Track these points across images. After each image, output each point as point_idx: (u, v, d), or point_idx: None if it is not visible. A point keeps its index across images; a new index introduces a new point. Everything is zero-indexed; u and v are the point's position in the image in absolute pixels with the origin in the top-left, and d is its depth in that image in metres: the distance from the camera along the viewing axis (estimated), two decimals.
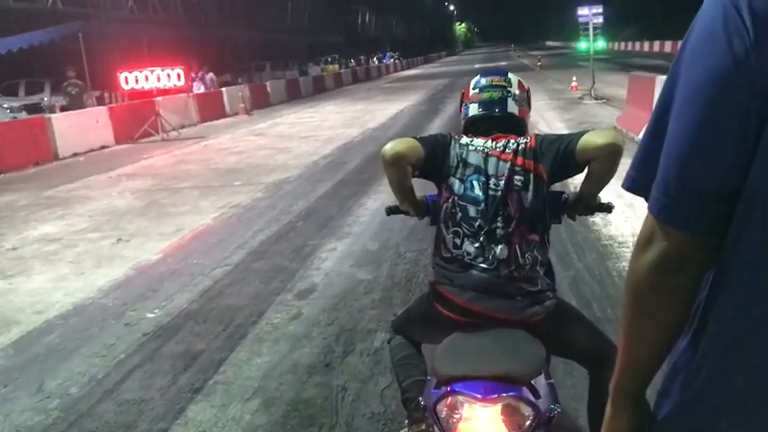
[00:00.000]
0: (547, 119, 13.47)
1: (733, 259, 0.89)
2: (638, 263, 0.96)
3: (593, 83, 17.13)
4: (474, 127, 2.23)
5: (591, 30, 17.60)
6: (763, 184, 0.83)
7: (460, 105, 2.34)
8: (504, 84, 2.24)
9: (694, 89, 0.88)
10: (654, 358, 1.02)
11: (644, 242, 0.95)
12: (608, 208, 2.28)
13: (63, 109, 15.96)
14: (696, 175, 0.88)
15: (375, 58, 55.69)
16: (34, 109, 17.59)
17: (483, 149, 2.10)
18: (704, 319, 0.94)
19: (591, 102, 16.13)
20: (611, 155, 1.94)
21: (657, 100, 0.96)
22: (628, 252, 5.00)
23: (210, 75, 23.15)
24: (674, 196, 0.90)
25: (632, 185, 0.99)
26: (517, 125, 2.22)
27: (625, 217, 5.88)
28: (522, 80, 2.31)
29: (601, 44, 21.81)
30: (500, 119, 2.20)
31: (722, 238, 0.89)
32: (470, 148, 2.12)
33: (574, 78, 19.91)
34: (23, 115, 16.49)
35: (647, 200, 0.94)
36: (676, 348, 1.00)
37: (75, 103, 15.85)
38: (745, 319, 0.88)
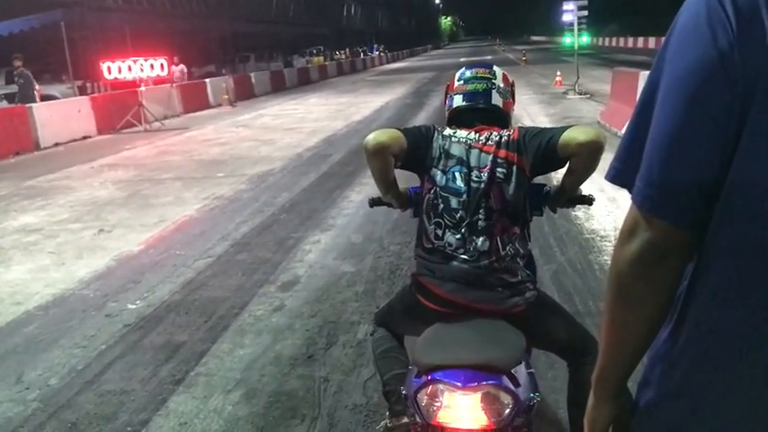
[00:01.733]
0: (531, 113, 13.51)
1: (714, 250, 0.90)
2: (622, 253, 0.97)
3: (578, 78, 17.21)
4: (458, 118, 2.24)
5: (575, 25, 17.66)
6: (745, 176, 0.84)
7: (445, 97, 2.35)
8: (488, 76, 2.25)
9: (678, 81, 0.88)
10: (636, 348, 1.03)
11: (627, 233, 0.96)
12: (589, 200, 2.30)
13: (10, 100, 15.28)
14: (679, 166, 0.88)
15: (360, 51, 55.48)
16: (15, 98, 17.36)
17: (466, 141, 2.11)
18: (685, 309, 0.95)
19: (575, 97, 16.21)
20: (592, 152, 1.95)
21: (641, 92, 0.96)
22: (610, 246, 5.03)
23: (181, 67, 21.80)
24: (657, 187, 0.90)
25: (616, 176, 1.00)
26: (501, 118, 2.23)
27: (608, 211, 5.93)
28: (506, 73, 2.32)
29: (585, 39, 21.86)
30: (484, 111, 2.21)
31: (705, 230, 0.90)
32: (453, 139, 2.13)
33: (558, 73, 20.01)
34: (4, 104, 16.26)
35: (630, 191, 0.95)
36: (658, 339, 1.00)
37: (23, 95, 14.58)
38: (724, 310, 0.89)
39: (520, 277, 2.06)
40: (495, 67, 2.31)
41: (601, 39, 58.38)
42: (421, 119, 14.60)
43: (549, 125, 10.60)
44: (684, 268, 0.96)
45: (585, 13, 17.46)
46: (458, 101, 2.25)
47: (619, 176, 0.99)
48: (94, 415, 3.25)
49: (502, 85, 2.25)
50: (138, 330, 4.21)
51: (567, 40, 22.19)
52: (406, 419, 2.07)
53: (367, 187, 7.63)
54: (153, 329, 4.21)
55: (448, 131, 2.17)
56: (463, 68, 2.34)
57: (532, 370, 1.95)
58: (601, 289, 4.21)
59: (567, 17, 17.52)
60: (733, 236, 0.87)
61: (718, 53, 0.84)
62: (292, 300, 4.55)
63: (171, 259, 5.64)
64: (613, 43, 54.75)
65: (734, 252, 0.87)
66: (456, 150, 2.10)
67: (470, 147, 2.09)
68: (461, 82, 2.27)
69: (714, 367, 0.91)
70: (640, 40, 45.56)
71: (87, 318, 4.48)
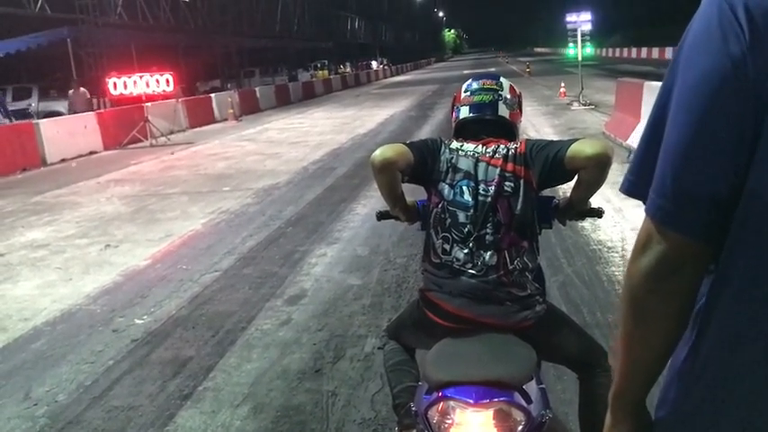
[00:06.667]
0: (536, 124, 13.52)
1: (732, 264, 0.87)
2: (635, 266, 0.94)
3: (582, 89, 17.21)
4: (465, 130, 2.23)
5: (579, 36, 17.70)
6: (762, 186, 0.82)
7: (452, 109, 2.35)
8: (495, 87, 2.24)
9: (690, 91, 0.86)
10: (653, 365, 1.00)
11: (641, 245, 0.93)
12: (598, 213, 2.27)
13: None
14: (692, 178, 0.86)
15: (365, 65, 55.72)
16: (22, 114, 17.51)
17: (473, 154, 2.10)
18: (704, 326, 0.92)
19: (579, 107, 16.21)
20: (600, 165, 1.93)
21: (655, 102, 0.94)
22: (617, 257, 5.02)
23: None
24: (671, 199, 0.88)
25: (630, 188, 0.98)
26: (508, 129, 2.22)
27: (614, 222, 5.91)
28: (513, 85, 2.32)
29: (589, 50, 21.87)
30: (491, 122, 2.20)
31: (721, 242, 0.87)
32: (461, 153, 2.12)
33: (562, 84, 20.02)
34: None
35: (644, 203, 0.93)
36: (676, 357, 0.97)
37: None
38: (744, 325, 0.87)
39: (529, 291, 2.05)
40: (501, 79, 2.31)
41: (604, 50, 58.47)
42: (425, 132, 14.63)
43: (554, 136, 10.56)
44: (700, 282, 0.93)
45: (589, 26, 17.51)
46: (464, 112, 2.25)
47: (633, 188, 0.97)
48: (102, 431, 3.24)
49: (509, 97, 2.24)
50: (146, 345, 4.21)
51: (570, 51, 22.21)
52: None
53: (372, 200, 7.64)
54: (160, 344, 4.20)
55: (455, 144, 2.16)
56: (470, 80, 2.33)
57: (543, 385, 1.93)
58: (608, 300, 4.19)
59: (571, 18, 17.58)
60: (752, 248, 0.84)
61: (731, 61, 0.82)
62: (299, 313, 4.54)
63: (177, 274, 5.64)
64: (617, 54, 54.85)
65: (753, 265, 0.85)
66: (463, 164, 2.09)
67: (478, 160, 2.08)
68: (468, 93, 2.26)
69: (735, 386, 0.89)
70: (644, 51, 45.65)
71: (95, 333, 4.49)
